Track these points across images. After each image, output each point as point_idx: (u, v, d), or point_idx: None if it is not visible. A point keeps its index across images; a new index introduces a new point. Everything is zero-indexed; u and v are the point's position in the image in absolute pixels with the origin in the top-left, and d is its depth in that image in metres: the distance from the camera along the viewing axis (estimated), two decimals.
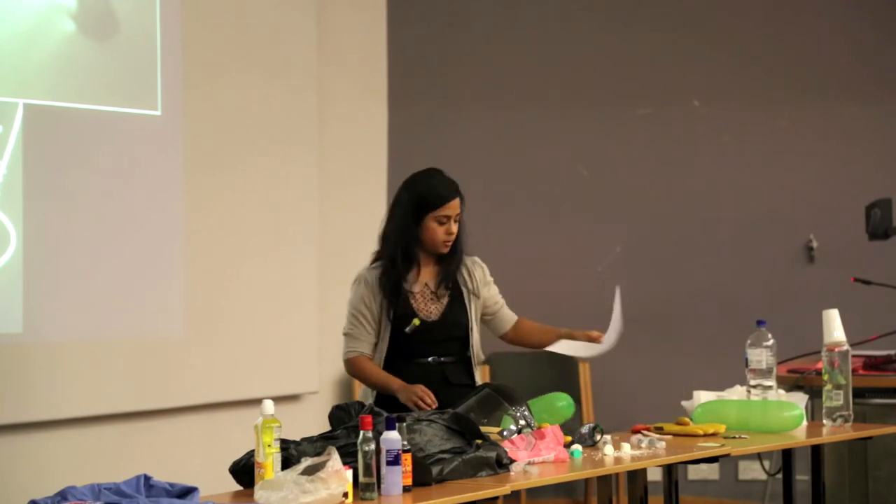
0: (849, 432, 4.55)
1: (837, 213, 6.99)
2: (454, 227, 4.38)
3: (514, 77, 7.29)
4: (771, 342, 4.61)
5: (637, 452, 3.98)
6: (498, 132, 7.28)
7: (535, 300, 7.22)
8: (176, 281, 5.96)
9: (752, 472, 6.87)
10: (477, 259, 4.56)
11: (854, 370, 4.80)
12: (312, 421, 5.35)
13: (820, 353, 4.65)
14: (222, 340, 6.13)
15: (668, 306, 7.18)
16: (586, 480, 6.48)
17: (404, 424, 3.38)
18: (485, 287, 4.55)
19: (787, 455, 4.68)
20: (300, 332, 6.54)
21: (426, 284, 4.41)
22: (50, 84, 5.55)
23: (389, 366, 4.36)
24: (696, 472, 6.69)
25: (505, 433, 3.90)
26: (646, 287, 7.20)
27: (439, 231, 4.36)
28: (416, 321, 4.34)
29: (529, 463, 3.69)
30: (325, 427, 3.70)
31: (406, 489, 3.33)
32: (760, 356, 4.61)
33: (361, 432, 3.29)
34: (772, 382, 4.62)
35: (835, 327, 4.62)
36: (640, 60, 7.27)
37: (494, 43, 7.31)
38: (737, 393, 4.67)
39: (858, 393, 4.86)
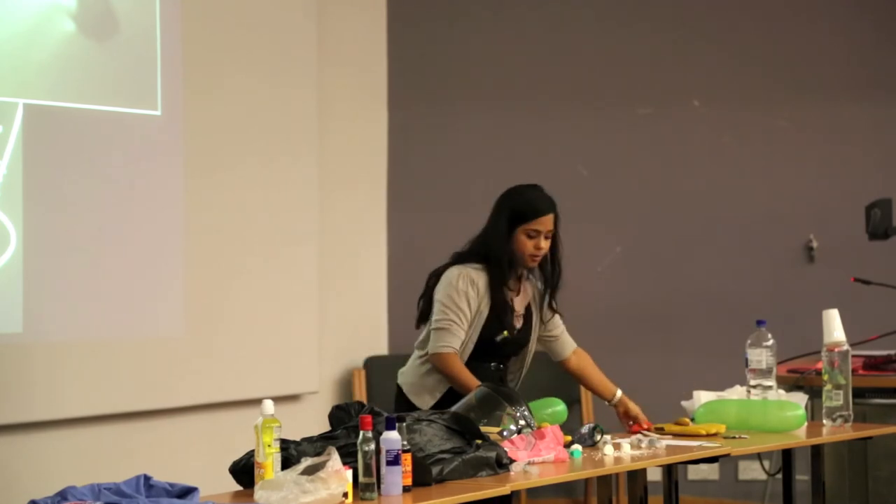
0: (849, 432, 4.55)
1: (837, 213, 6.99)
2: (543, 243, 4.45)
3: (514, 77, 7.29)
4: (771, 342, 4.62)
5: (637, 452, 3.98)
6: (498, 132, 7.27)
7: None
8: (176, 281, 5.96)
9: (752, 472, 6.87)
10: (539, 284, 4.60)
11: (854, 370, 4.80)
12: (312, 421, 5.35)
13: (820, 353, 4.65)
14: (222, 340, 6.14)
15: (668, 306, 7.18)
16: (586, 480, 6.48)
17: (404, 424, 3.38)
18: (550, 315, 4.62)
19: (787, 455, 4.68)
20: (300, 332, 6.54)
21: (512, 299, 4.48)
22: (50, 84, 5.55)
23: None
24: (696, 472, 6.69)
25: (505, 433, 3.90)
26: (646, 287, 7.20)
27: (528, 245, 4.43)
28: (506, 333, 4.43)
29: (529, 463, 3.69)
30: (325, 427, 3.70)
31: (406, 489, 3.33)
32: (760, 356, 4.62)
33: (361, 432, 3.29)
34: (772, 382, 4.62)
35: (835, 327, 4.62)
36: (640, 60, 7.27)
37: (494, 43, 7.31)
38: (737, 393, 4.67)
39: (858, 393, 4.86)
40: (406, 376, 4.58)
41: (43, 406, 5.49)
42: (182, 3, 6.00)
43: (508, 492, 3.46)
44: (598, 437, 4.05)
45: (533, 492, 6.43)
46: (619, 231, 7.24)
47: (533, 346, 4.58)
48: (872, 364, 5.30)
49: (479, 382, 4.21)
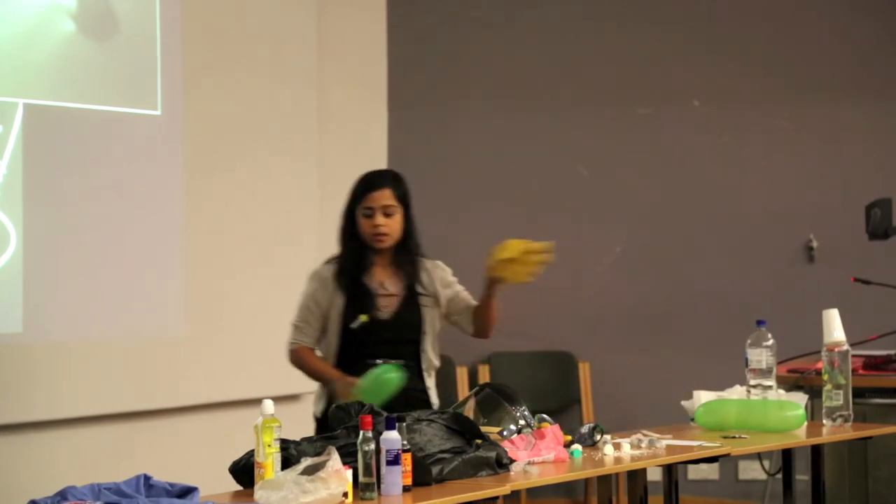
0: (849, 432, 4.54)
1: (837, 213, 6.99)
2: (380, 220, 4.34)
3: (513, 77, 7.29)
4: (771, 342, 4.61)
5: (637, 452, 3.98)
6: (497, 132, 7.28)
7: (535, 299, 7.23)
8: (176, 281, 5.96)
9: (752, 472, 6.87)
10: (439, 263, 4.52)
11: (854, 370, 4.80)
12: (312, 421, 5.35)
13: (820, 352, 4.65)
14: (222, 340, 6.13)
15: (668, 306, 7.18)
16: (586, 480, 6.49)
17: (404, 424, 3.38)
18: (446, 288, 4.48)
19: (787, 455, 4.68)
20: None
21: (381, 283, 4.38)
22: (50, 84, 5.55)
23: (339, 364, 4.36)
24: (696, 472, 6.70)
25: (505, 433, 3.90)
26: (645, 287, 7.20)
27: (365, 224, 4.36)
28: (363, 317, 4.31)
29: (529, 463, 3.69)
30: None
31: (406, 489, 3.33)
32: (760, 356, 4.61)
33: (361, 432, 3.29)
34: (772, 382, 4.62)
35: (835, 327, 4.61)
36: (641, 60, 7.27)
37: (494, 43, 7.31)
38: (737, 393, 4.67)
39: (858, 393, 4.85)
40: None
41: (43, 406, 5.49)
42: (182, 3, 6.00)
43: (508, 492, 3.46)
44: (598, 437, 4.05)
45: (533, 492, 6.43)
46: (619, 231, 7.25)
47: (431, 329, 4.43)
48: (872, 364, 5.30)
49: (334, 370, 4.28)
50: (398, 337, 4.38)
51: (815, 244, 7.12)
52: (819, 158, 7.21)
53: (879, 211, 5.61)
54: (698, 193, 7.23)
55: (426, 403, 4.41)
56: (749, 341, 4.63)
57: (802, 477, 4.82)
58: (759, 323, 4.63)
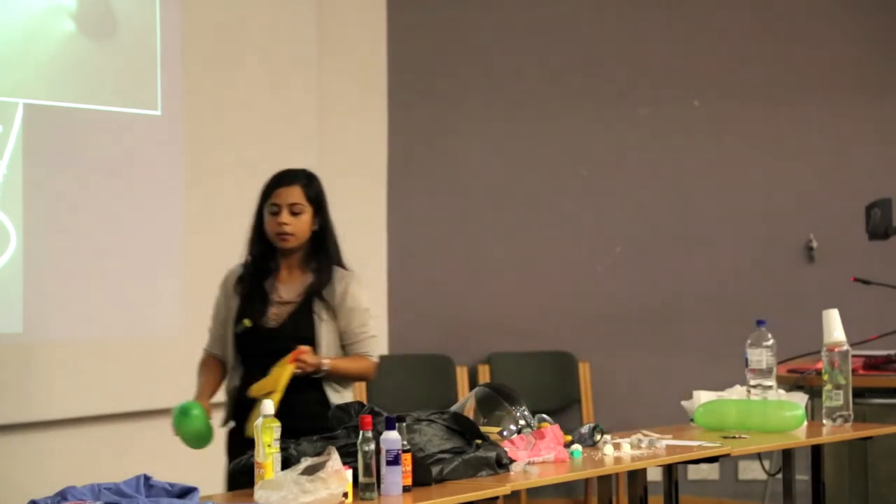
0: (849, 432, 4.54)
1: (837, 213, 6.99)
2: (286, 218, 4.05)
3: (513, 77, 7.29)
4: (771, 342, 4.61)
5: (637, 452, 3.97)
6: (497, 132, 7.27)
7: (535, 299, 7.24)
8: (176, 281, 5.96)
9: (752, 472, 6.87)
10: (358, 278, 4.14)
11: (854, 370, 4.79)
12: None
13: (820, 353, 4.65)
14: None
15: (668, 306, 7.18)
16: (586, 480, 6.48)
17: (404, 424, 3.38)
18: (344, 310, 4.08)
19: (787, 455, 4.68)
20: None
21: (277, 289, 4.08)
22: (50, 84, 5.55)
23: (233, 372, 4.09)
24: (696, 472, 6.69)
25: (505, 433, 3.90)
26: (645, 287, 7.20)
27: (270, 221, 4.08)
28: (245, 322, 4.04)
29: (529, 463, 3.69)
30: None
31: (406, 489, 3.33)
32: (760, 356, 4.61)
33: (361, 432, 3.29)
34: (772, 382, 4.62)
35: (835, 327, 4.61)
36: (640, 60, 7.27)
37: (494, 43, 7.31)
38: (737, 393, 4.67)
39: (858, 393, 4.85)
40: None
41: (43, 406, 5.49)
42: (182, 3, 6.00)
43: (508, 492, 3.46)
44: (598, 437, 4.05)
45: (533, 492, 6.43)
46: (619, 231, 7.24)
47: (330, 343, 4.05)
48: (872, 364, 5.30)
49: (201, 392, 4.07)
50: (284, 347, 3.94)
51: (815, 244, 7.12)
52: (819, 158, 7.21)
53: (879, 211, 5.60)
54: (698, 193, 7.23)
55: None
56: (749, 341, 4.63)
57: (802, 477, 4.82)
58: (759, 323, 4.63)
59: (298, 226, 4.08)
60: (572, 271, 7.25)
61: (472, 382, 6.91)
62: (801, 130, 7.23)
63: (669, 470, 4.15)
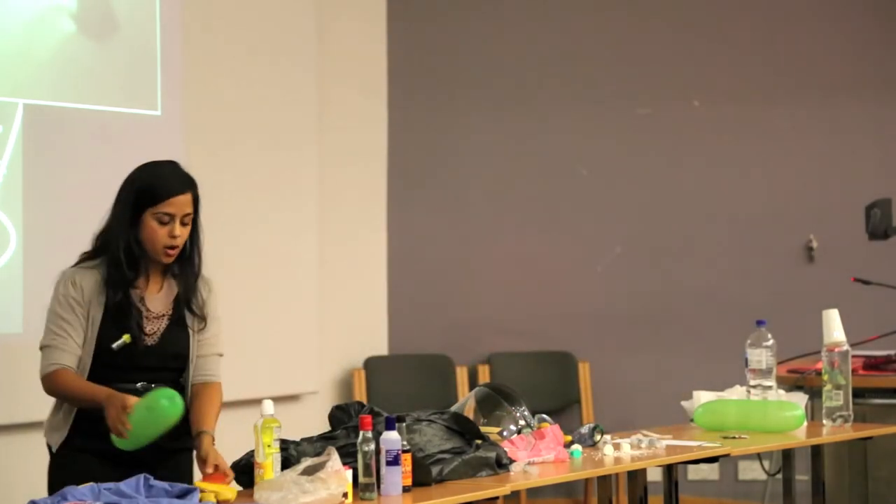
0: (849, 432, 4.55)
1: (837, 213, 6.99)
2: (179, 230, 3.59)
3: (514, 76, 7.29)
4: (771, 342, 4.61)
5: (637, 452, 3.98)
6: (497, 131, 7.28)
7: (535, 300, 7.24)
8: None
9: (751, 472, 6.87)
10: (210, 282, 3.79)
11: (854, 370, 4.80)
12: (312, 421, 5.35)
13: (820, 353, 4.65)
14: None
15: (668, 306, 7.18)
16: (586, 480, 6.48)
17: (404, 424, 3.38)
18: (210, 319, 3.76)
19: (787, 455, 4.68)
20: (300, 332, 6.54)
21: (143, 299, 3.65)
22: (50, 84, 5.55)
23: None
24: (695, 472, 6.69)
25: (505, 433, 3.90)
26: (645, 287, 7.20)
27: (160, 232, 3.59)
28: (126, 337, 3.59)
29: (529, 463, 3.69)
30: (324, 427, 3.70)
31: (406, 489, 3.33)
32: (760, 356, 4.61)
33: (361, 432, 3.29)
34: (772, 382, 4.62)
35: (834, 327, 4.61)
36: (640, 60, 7.27)
37: (494, 42, 7.31)
38: (737, 393, 4.67)
39: (858, 393, 4.86)
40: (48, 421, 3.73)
41: (43, 406, 5.47)
42: (182, 3, 6.00)
43: (508, 492, 3.46)
44: (598, 437, 4.05)
45: (533, 492, 6.43)
46: (619, 231, 7.24)
47: (194, 358, 3.72)
48: (872, 364, 5.30)
49: (105, 388, 3.48)
50: (161, 364, 3.66)
51: (814, 244, 7.12)
52: (819, 158, 7.21)
53: (879, 211, 5.60)
54: (698, 193, 7.23)
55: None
56: (749, 341, 4.63)
57: (802, 477, 4.82)
58: (759, 323, 4.63)
59: (184, 238, 3.65)
60: (572, 271, 7.25)
61: (472, 382, 6.92)
62: (800, 130, 7.23)
63: (669, 470, 4.15)
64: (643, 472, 4.02)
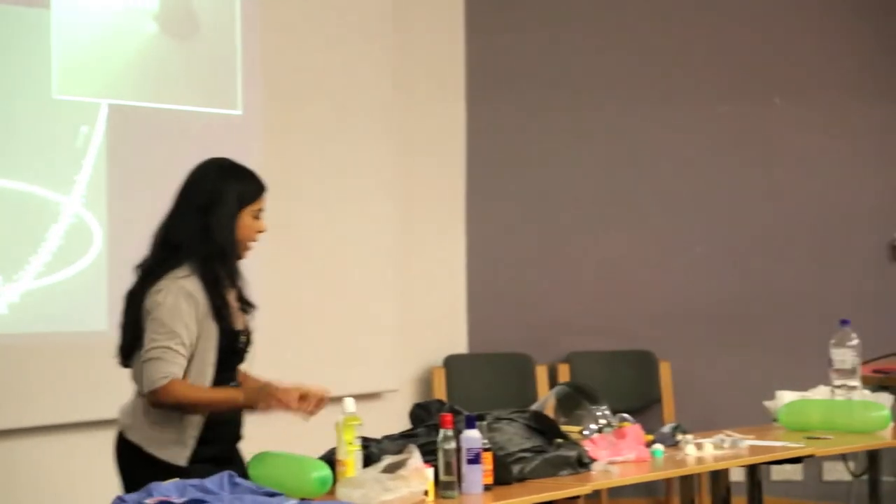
0: None
1: None
2: (264, 224, 3.78)
3: (593, 74, 7.25)
4: (855, 342, 4.56)
5: (719, 452, 3.95)
6: (576, 127, 7.25)
7: (615, 299, 7.21)
8: (258, 279, 5.98)
9: (836, 473, 6.78)
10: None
11: None
12: (393, 419, 5.36)
13: None
14: (303, 339, 6.16)
15: (750, 306, 7.11)
16: (667, 480, 6.44)
17: (484, 423, 3.38)
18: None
19: (873, 456, 4.62)
20: (381, 330, 6.56)
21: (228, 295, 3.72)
22: (133, 84, 5.61)
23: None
24: (779, 473, 6.62)
25: (585, 432, 3.88)
26: (727, 286, 7.14)
27: (254, 227, 3.75)
28: (242, 337, 3.72)
29: (610, 462, 3.67)
30: (405, 425, 3.71)
31: (487, 487, 3.33)
32: (844, 356, 4.56)
33: (442, 431, 3.30)
34: (856, 383, 4.57)
35: None
36: (719, 58, 7.21)
37: (574, 39, 7.28)
38: (820, 393, 4.62)
39: None
40: (140, 431, 3.71)
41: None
42: (262, 3, 6.04)
43: (590, 491, 3.45)
44: (680, 437, 4.02)
45: (614, 491, 6.39)
46: (700, 230, 7.19)
47: None
48: None
49: (233, 389, 3.61)
50: (243, 358, 3.79)
51: None
52: None
53: None
54: (778, 192, 7.16)
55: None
56: (833, 341, 4.58)
57: (888, 478, 4.76)
58: (843, 323, 4.58)
59: None
60: (652, 270, 7.20)
61: (552, 381, 6.89)
62: (884, 128, 7.13)
63: (753, 470, 4.12)
64: (726, 472, 4.00)
